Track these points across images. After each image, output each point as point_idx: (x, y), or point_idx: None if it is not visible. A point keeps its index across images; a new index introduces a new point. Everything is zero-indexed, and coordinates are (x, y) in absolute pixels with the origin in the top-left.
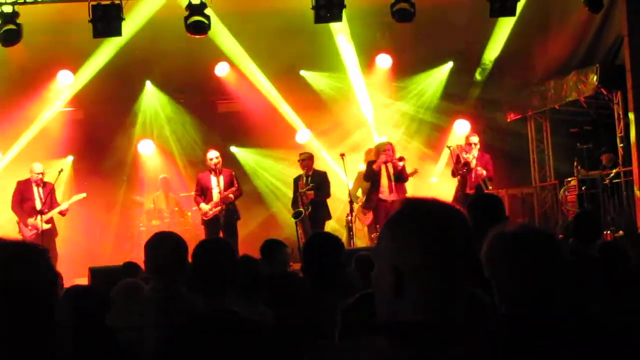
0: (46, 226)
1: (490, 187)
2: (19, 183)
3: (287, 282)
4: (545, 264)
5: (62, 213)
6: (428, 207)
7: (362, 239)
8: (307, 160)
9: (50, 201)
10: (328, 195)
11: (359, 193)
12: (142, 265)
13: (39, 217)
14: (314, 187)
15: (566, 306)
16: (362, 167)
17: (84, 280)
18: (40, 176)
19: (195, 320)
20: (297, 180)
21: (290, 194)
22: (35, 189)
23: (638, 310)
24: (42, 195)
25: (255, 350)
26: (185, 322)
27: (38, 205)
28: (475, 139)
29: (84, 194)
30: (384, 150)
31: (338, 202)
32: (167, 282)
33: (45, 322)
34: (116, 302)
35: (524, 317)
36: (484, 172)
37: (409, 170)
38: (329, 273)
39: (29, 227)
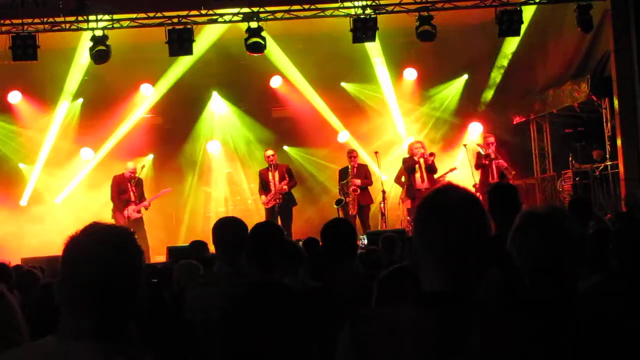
0: (137, 215)
1: (512, 174)
2: (116, 177)
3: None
4: (567, 238)
5: (146, 207)
6: (447, 195)
7: (391, 224)
8: (354, 156)
9: (140, 195)
10: (371, 181)
11: (403, 179)
12: (210, 245)
13: (132, 207)
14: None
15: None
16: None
17: (162, 257)
18: (131, 173)
19: (249, 290)
20: (342, 172)
21: (332, 185)
22: (129, 183)
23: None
24: (134, 189)
25: (294, 313)
26: (241, 292)
27: (132, 197)
28: (491, 138)
29: (169, 189)
30: (415, 148)
31: (374, 191)
32: (230, 258)
33: (133, 292)
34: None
35: (539, 287)
36: (504, 164)
37: (444, 168)
38: (344, 251)
39: (125, 214)
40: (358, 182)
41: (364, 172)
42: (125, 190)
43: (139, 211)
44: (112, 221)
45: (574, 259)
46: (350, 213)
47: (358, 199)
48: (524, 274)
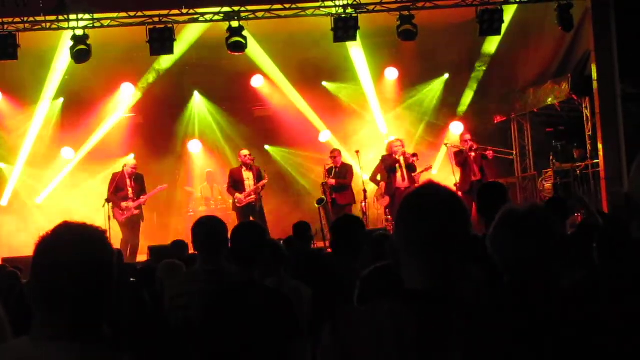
0: (135, 212)
1: (491, 156)
2: (114, 174)
3: (318, 258)
4: (546, 236)
5: (142, 203)
6: (428, 193)
7: (372, 223)
8: (334, 156)
9: (140, 190)
10: (348, 182)
11: (379, 177)
12: (191, 244)
13: (130, 203)
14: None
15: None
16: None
17: (144, 257)
18: (132, 169)
19: (227, 288)
20: (327, 171)
21: (313, 183)
22: (127, 180)
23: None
24: (133, 185)
25: (273, 311)
26: (219, 291)
27: (129, 194)
28: (468, 136)
29: (165, 185)
30: (395, 146)
31: (354, 190)
32: (210, 257)
33: (105, 292)
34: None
35: (525, 284)
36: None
37: (422, 167)
38: (353, 249)
39: (122, 212)
40: (332, 181)
41: (344, 172)
42: (122, 187)
43: (137, 207)
44: (108, 218)
45: (554, 257)
46: (332, 211)
47: (336, 198)
48: (504, 273)
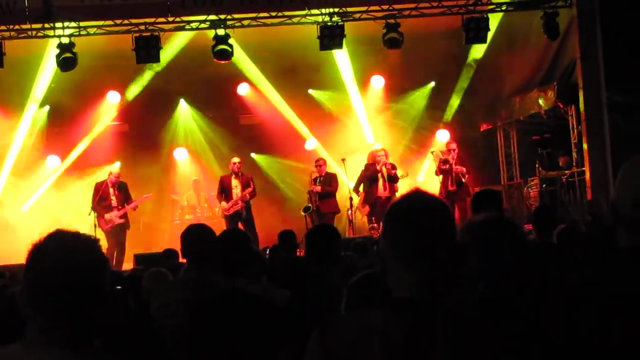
0: (119, 221)
1: (466, 178)
2: (97, 184)
3: (298, 265)
4: (508, 245)
5: (133, 208)
6: (415, 201)
7: (358, 231)
8: (320, 165)
9: (125, 198)
10: (333, 190)
11: (361, 188)
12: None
13: (114, 212)
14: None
15: (528, 282)
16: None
17: (130, 265)
18: (116, 178)
19: (214, 296)
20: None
21: (299, 192)
22: (111, 189)
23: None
24: (117, 193)
25: (261, 319)
26: (206, 299)
27: (113, 203)
28: (453, 145)
29: (150, 194)
30: (379, 155)
31: (340, 198)
32: (197, 265)
33: (98, 299)
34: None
35: (493, 294)
36: (463, 170)
37: (400, 174)
38: (330, 257)
39: (106, 221)
40: (318, 188)
41: (328, 181)
42: (105, 197)
43: (122, 216)
44: (94, 226)
45: (529, 263)
46: (317, 219)
47: (320, 206)
48: (480, 280)
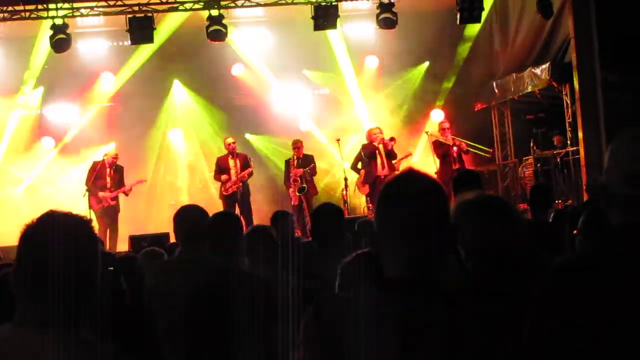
0: (111, 202)
1: (465, 150)
2: (94, 163)
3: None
4: (500, 223)
5: (125, 193)
6: (408, 181)
7: (352, 211)
8: (298, 147)
9: (119, 181)
10: (314, 172)
11: (359, 166)
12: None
13: (107, 193)
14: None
15: (522, 259)
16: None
17: (125, 246)
18: (113, 159)
19: (208, 276)
20: (288, 162)
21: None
22: (107, 169)
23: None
24: (112, 174)
25: (255, 296)
26: (200, 278)
27: (107, 184)
28: (446, 124)
29: (145, 180)
30: (374, 134)
31: (334, 179)
32: (192, 246)
33: (92, 280)
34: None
35: (486, 271)
36: (462, 144)
37: (401, 154)
38: (334, 237)
39: (99, 200)
40: (300, 171)
41: (308, 162)
42: (101, 176)
43: (114, 198)
44: (85, 206)
45: (522, 241)
46: (292, 204)
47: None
48: (468, 259)
